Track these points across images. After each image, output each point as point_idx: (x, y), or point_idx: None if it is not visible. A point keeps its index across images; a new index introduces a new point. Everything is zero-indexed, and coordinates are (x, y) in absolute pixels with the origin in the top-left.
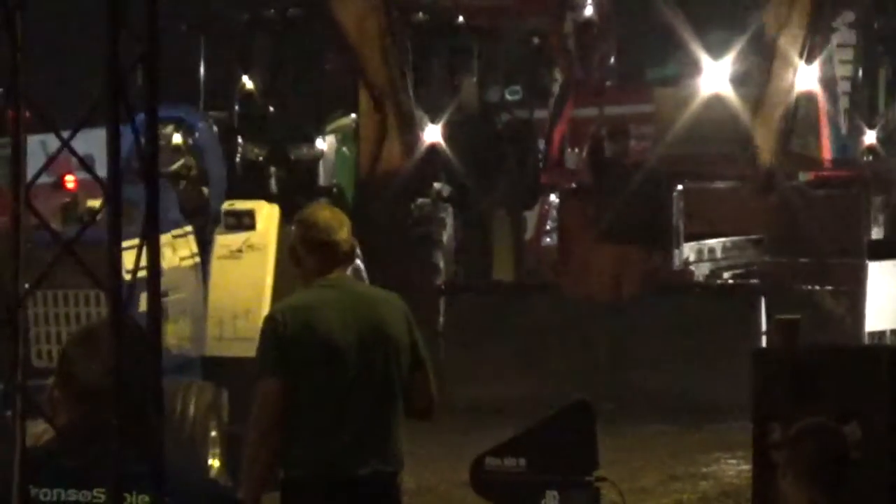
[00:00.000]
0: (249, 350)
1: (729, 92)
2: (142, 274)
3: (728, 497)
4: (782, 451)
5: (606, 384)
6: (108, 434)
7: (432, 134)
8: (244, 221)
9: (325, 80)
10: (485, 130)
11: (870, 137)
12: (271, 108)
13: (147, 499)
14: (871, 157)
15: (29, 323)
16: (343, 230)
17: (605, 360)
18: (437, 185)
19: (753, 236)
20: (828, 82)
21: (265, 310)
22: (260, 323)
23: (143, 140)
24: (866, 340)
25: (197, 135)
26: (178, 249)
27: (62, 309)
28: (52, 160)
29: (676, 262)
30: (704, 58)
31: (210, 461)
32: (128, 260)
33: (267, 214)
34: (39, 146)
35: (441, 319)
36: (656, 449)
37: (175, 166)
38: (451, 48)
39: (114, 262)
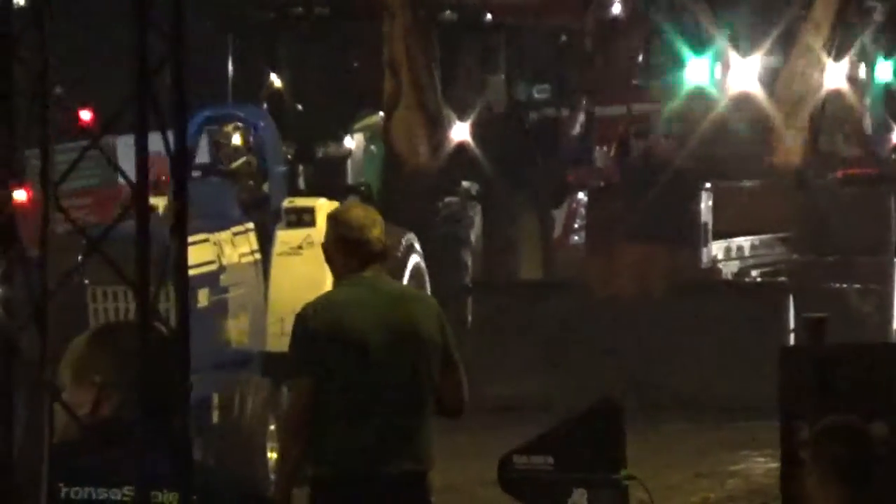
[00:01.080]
0: None
1: (757, 90)
2: (201, 270)
3: (756, 495)
4: (808, 450)
5: (633, 382)
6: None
7: (460, 132)
8: (304, 218)
9: (353, 77)
10: (512, 128)
11: None
12: (299, 107)
13: (176, 496)
14: None
15: (89, 318)
16: (376, 228)
17: (632, 358)
18: (465, 183)
19: (781, 234)
20: (856, 80)
21: None
22: None
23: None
24: (894, 338)
25: (258, 133)
26: (238, 246)
27: (122, 304)
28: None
29: (704, 261)
30: (733, 55)
31: (268, 455)
32: (191, 256)
33: (326, 211)
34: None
35: (469, 317)
36: (683, 447)
37: (236, 164)
38: (478, 46)
39: (143, 263)
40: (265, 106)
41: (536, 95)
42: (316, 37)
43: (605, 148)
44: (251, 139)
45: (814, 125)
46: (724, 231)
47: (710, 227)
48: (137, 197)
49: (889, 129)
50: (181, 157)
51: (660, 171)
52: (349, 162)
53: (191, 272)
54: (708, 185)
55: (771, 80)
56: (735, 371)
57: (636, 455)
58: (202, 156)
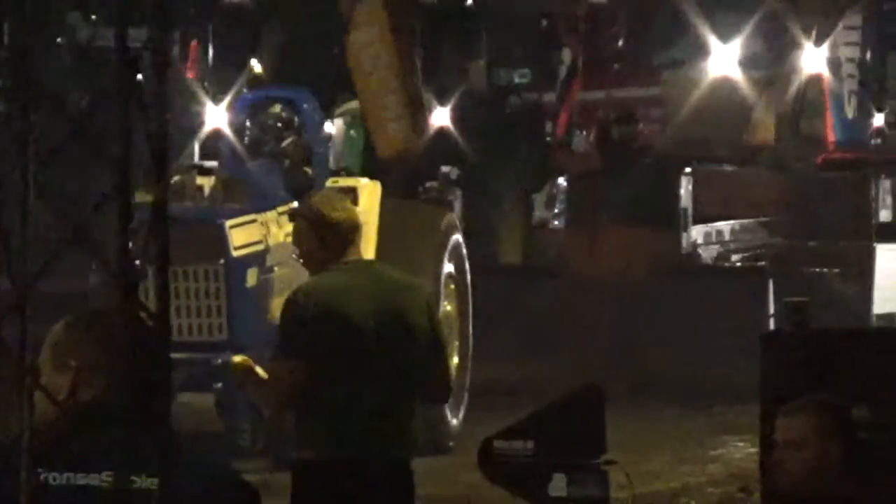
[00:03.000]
0: None
1: (737, 74)
2: (250, 250)
3: (736, 479)
4: (783, 422)
5: (614, 367)
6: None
7: (441, 117)
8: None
9: (334, 62)
10: (493, 113)
11: (878, 120)
12: None
13: (156, 481)
14: (879, 140)
15: None
16: (353, 213)
17: (612, 343)
18: (445, 168)
19: (762, 218)
20: (836, 65)
21: None
22: None
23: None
24: (874, 323)
25: (302, 114)
26: (283, 226)
27: (171, 284)
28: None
29: (685, 245)
30: (713, 40)
31: None
32: (237, 237)
33: (369, 191)
34: None
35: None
36: (664, 432)
37: (282, 145)
38: (460, 31)
39: (123, 248)
40: (245, 91)
41: (517, 80)
42: (296, 21)
43: (585, 133)
44: (296, 120)
45: (794, 109)
46: (704, 215)
47: (690, 211)
48: (120, 184)
49: (869, 114)
50: (163, 145)
51: (640, 156)
52: (330, 146)
53: (240, 252)
54: (688, 169)
55: (751, 64)
56: (716, 355)
57: (617, 440)
58: (251, 136)
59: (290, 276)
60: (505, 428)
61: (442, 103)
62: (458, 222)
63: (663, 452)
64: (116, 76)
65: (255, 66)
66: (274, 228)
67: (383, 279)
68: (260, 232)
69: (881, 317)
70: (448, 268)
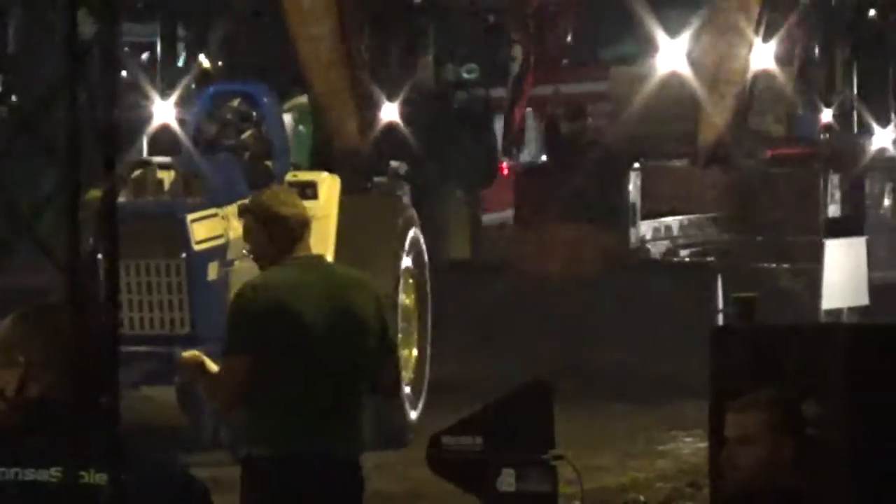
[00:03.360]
0: None
1: (685, 70)
2: (212, 244)
3: (685, 475)
4: (733, 418)
5: (563, 362)
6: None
7: (389, 113)
8: (307, 192)
9: (283, 58)
10: (441, 109)
11: (827, 115)
12: None
13: (105, 477)
14: (827, 135)
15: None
16: (302, 209)
17: (561, 338)
18: (393, 163)
19: (711, 214)
20: (784, 60)
21: None
22: None
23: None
24: (823, 318)
25: (262, 108)
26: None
27: (133, 278)
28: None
29: (633, 241)
30: (661, 36)
31: None
32: (198, 231)
33: (329, 185)
34: None
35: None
36: (613, 427)
37: (241, 138)
38: (407, 27)
39: (73, 241)
40: (193, 87)
41: (465, 76)
42: (245, 17)
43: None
44: (255, 114)
45: (741, 104)
46: (653, 211)
47: (638, 206)
48: (69, 177)
49: (818, 109)
50: (111, 137)
51: (588, 151)
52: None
53: (201, 246)
54: (636, 165)
55: (700, 59)
56: (665, 351)
57: (566, 435)
58: (209, 131)
59: (250, 269)
60: (454, 424)
61: (390, 99)
62: (416, 217)
63: (612, 448)
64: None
65: (203, 61)
66: (234, 222)
67: (333, 275)
68: (221, 226)
69: (830, 312)
70: (406, 262)
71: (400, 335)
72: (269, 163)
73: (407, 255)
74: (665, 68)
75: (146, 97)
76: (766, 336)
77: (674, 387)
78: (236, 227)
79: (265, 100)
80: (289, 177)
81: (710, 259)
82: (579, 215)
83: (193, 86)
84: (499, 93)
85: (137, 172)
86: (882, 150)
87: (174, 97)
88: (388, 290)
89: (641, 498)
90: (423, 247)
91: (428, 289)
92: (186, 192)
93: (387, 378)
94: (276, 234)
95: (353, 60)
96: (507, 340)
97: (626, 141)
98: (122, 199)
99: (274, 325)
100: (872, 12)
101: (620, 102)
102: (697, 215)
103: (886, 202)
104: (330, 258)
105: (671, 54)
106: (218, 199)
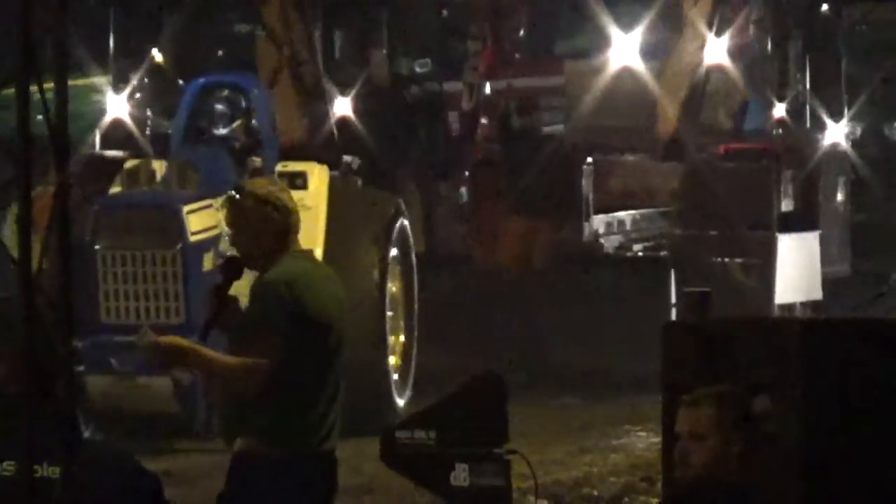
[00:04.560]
0: None
1: (639, 64)
2: (207, 235)
3: (638, 469)
4: (684, 413)
5: (517, 356)
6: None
7: (342, 106)
8: (297, 182)
9: (237, 50)
10: (394, 103)
11: (780, 110)
12: (181, 82)
13: (58, 470)
14: (780, 130)
15: (99, 282)
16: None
17: (515, 332)
18: (346, 157)
19: (664, 208)
20: (738, 54)
21: None
22: None
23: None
24: (776, 313)
25: (250, 99)
26: None
27: (129, 268)
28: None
29: (586, 235)
30: (615, 30)
31: None
32: (194, 222)
33: (318, 175)
34: None
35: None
36: (566, 421)
37: (229, 129)
38: (360, 20)
39: (25, 234)
40: (146, 81)
41: (418, 70)
42: (198, 10)
43: (487, 121)
44: (244, 105)
45: (694, 99)
46: (605, 205)
47: (591, 200)
48: (22, 168)
49: (771, 104)
50: (62, 128)
51: (541, 145)
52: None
53: (197, 237)
54: (589, 159)
55: (653, 53)
56: (618, 345)
57: (520, 429)
58: (198, 122)
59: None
60: (406, 417)
61: (343, 92)
62: (403, 207)
63: (565, 442)
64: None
65: (157, 55)
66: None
67: (326, 268)
68: (215, 217)
69: (783, 306)
70: (393, 251)
71: (389, 323)
72: (257, 153)
73: (394, 245)
74: (619, 63)
75: (98, 91)
76: (718, 331)
77: (627, 381)
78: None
79: (254, 91)
80: (279, 167)
81: (663, 253)
82: (532, 209)
83: (146, 81)
84: (453, 86)
85: (131, 164)
86: (835, 145)
87: (127, 91)
88: (376, 279)
89: (595, 492)
90: (410, 236)
91: (414, 277)
92: (180, 183)
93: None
94: (279, 225)
95: (303, 54)
96: (460, 333)
97: (580, 135)
98: (116, 189)
99: (303, 318)
100: (825, 7)
101: (574, 96)
102: (650, 209)
103: (839, 197)
104: (320, 248)
105: (625, 49)
106: (211, 190)
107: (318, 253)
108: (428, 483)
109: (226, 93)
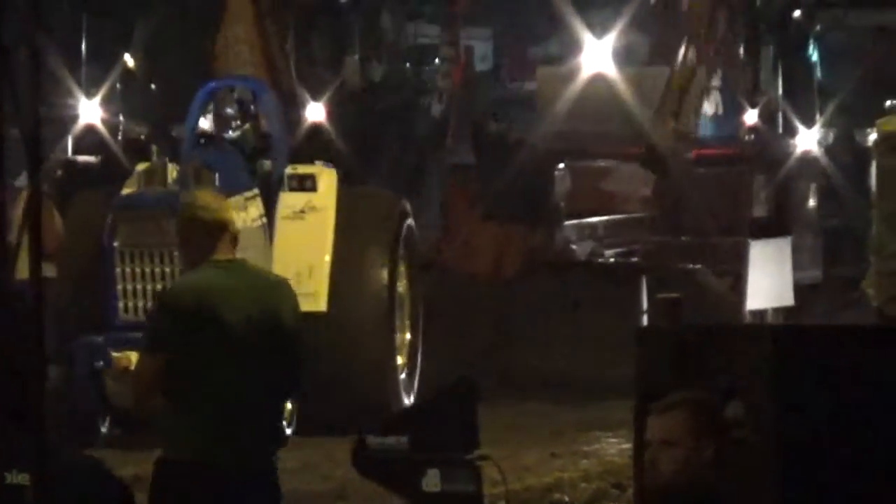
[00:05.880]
0: (312, 305)
1: (611, 70)
2: None
3: (610, 475)
4: (655, 420)
5: (489, 362)
6: None
7: (314, 112)
8: (306, 184)
9: (207, 57)
10: (366, 109)
11: (752, 116)
12: (152, 86)
13: (27, 477)
14: (753, 136)
15: (117, 280)
16: (227, 212)
17: (487, 338)
18: (318, 162)
19: (636, 214)
20: (711, 61)
21: (327, 267)
22: (324, 279)
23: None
24: (748, 319)
25: (260, 103)
26: (248, 211)
27: (147, 266)
28: None
29: (558, 241)
30: (588, 36)
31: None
32: None
33: (327, 178)
34: None
35: None
36: (538, 427)
37: (240, 132)
38: (333, 27)
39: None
40: (118, 86)
41: (391, 76)
42: (170, 16)
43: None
44: (253, 108)
45: (668, 105)
46: (578, 211)
47: (563, 206)
48: None
49: (743, 111)
50: (37, 135)
51: (514, 151)
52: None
53: None
54: (562, 165)
55: (626, 59)
56: (590, 351)
57: (492, 435)
58: (207, 125)
59: (256, 260)
60: (379, 422)
61: (315, 98)
62: (409, 208)
63: (537, 448)
64: None
65: (128, 60)
66: (241, 214)
67: (254, 277)
68: None
69: (754, 312)
70: (401, 251)
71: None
72: (268, 156)
73: (402, 247)
74: (591, 68)
75: (71, 96)
76: (690, 337)
77: (598, 387)
78: (243, 219)
79: (263, 94)
80: (289, 169)
81: (634, 260)
82: (505, 215)
83: (118, 86)
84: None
85: (146, 164)
86: (807, 151)
87: (99, 97)
88: (385, 279)
89: (566, 498)
90: (416, 236)
91: (419, 278)
92: (196, 184)
93: (290, 374)
94: (195, 237)
95: (277, 60)
96: (432, 339)
97: (552, 141)
98: (129, 190)
99: (193, 328)
100: (797, 13)
101: (547, 102)
102: (623, 215)
103: (811, 203)
104: (329, 249)
105: (597, 55)
106: (225, 191)
107: (327, 255)
108: (399, 489)
109: (236, 96)
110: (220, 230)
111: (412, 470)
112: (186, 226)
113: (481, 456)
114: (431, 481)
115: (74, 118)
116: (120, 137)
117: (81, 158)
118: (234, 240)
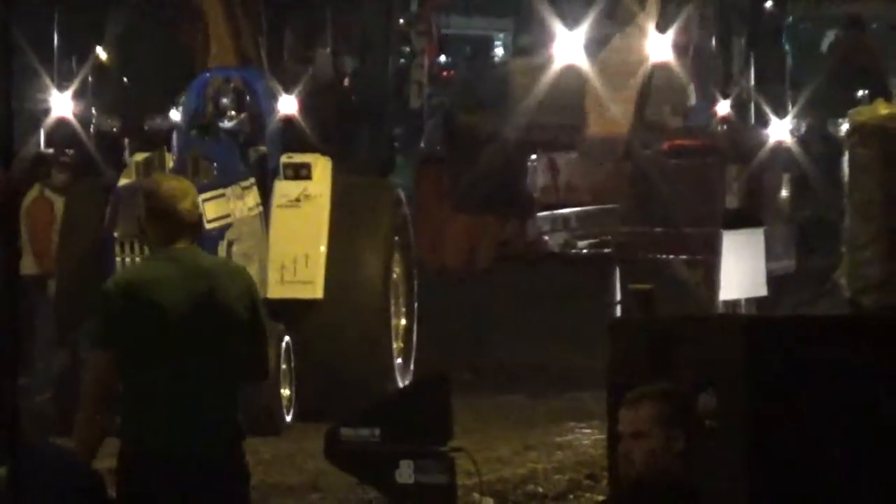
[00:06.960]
0: (308, 292)
1: (583, 62)
2: (220, 223)
3: (583, 466)
4: (627, 412)
5: (462, 354)
6: None
7: (286, 105)
8: (302, 173)
9: (180, 50)
10: (338, 102)
11: (724, 107)
12: (125, 79)
13: (4, 470)
14: (725, 127)
15: (116, 269)
16: (187, 200)
17: (458, 330)
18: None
19: (608, 206)
20: (682, 51)
21: (322, 255)
22: (319, 267)
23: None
24: (721, 309)
25: (255, 93)
26: (245, 200)
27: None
28: None
29: (530, 232)
30: (560, 27)
31: (284, 392)
32: (209, 210)
33: (322, 166)
34: None
35: None
36: (512, 419)
37: (234, 122)
38: (305, 19)
39: None
40: (90, 79)
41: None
42: (142, 9)
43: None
44: (248, 98)
45: (640, 96)
46: (550, 202)
47: (536, 198)
48: None
49: (715, 101)
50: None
51: (486, 142)
52: (175, 135)
53: (212, 225)
54: (534, 156)
55: (597, 50)
56: (564, 343)
57: (466, 427)
58: (203, 114)
59: (253, 247)
60: (352, 414)
61: (287, 91)
62: (403, 197)
63: (510, 439)
64: None
65: (101, 53)
66: (238, 202)
67: (198, 266)
68: (227, 206)
69: (727, 303)
70: (395, 238)
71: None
72: (262, 145)
73: (397, 234)
74: (563, 60)
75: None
76: (663, 328)
77: (571, 378)
78: (241, 208)
79: (259, 84)
80: (284, 158)
81: (607, 251)
82: (477, 207)
83: (90, 79)
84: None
85: (144, 155)
86: (779, 142)
87: (71, 90)
88: (380, 266)
89: (540, 490)
90: (410, 224)
91: (413, 263)
92: (194, 173)
93: (254, 362)
94: (155, 224)
95: (248, 53)
96: None
97: (525, 132)
98: (127, 180)
99: (134, 321)
100: (769, 3)
101: (519, 94)
102: (595, 207)
103: (784, 193)
104: (324, 237)
105: (569, 46)
106: (223, 181)
107: (322, 243)
108: (373, 480)
109: (231, 86)
110: (180, 218)
111: (386, 461)
112: (147, 214)
113: (455, 448)
114: (405, 473)
115: (46, 111)
116: (92, 131)
117: (53, 152)
118: (196, 227)
